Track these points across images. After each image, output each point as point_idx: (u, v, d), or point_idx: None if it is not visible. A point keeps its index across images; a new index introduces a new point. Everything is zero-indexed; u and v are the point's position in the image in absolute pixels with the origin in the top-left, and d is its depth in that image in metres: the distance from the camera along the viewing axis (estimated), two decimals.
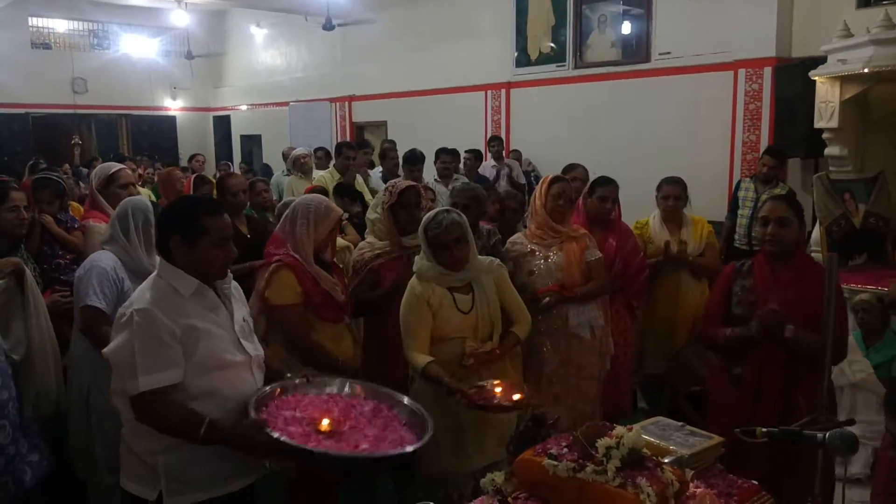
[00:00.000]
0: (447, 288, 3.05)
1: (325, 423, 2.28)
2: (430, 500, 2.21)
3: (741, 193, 6.41)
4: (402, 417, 2.45)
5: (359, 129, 13.32)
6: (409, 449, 2.25)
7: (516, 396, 2.72)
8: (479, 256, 3.21)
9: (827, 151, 5.26)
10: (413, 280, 3.11)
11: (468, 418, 2.99)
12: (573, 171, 4.93)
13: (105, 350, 2.32)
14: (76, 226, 4.10)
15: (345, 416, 2.37)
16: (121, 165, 4.28)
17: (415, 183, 3.17)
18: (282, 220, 3.20)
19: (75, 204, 5.10)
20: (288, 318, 3.01)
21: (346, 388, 2.56)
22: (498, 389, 2.77)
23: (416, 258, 3.16)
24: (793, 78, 6.76)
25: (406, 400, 2.52)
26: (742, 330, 3.10)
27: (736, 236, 6.36)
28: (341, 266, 3.52)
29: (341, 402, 2.46)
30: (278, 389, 2.45)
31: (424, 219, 3.11)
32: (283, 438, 2.16)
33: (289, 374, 2.57)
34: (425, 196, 3.66)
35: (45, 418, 3.46)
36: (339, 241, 4.09)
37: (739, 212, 6.34)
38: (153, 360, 2.21)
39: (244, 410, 2.28)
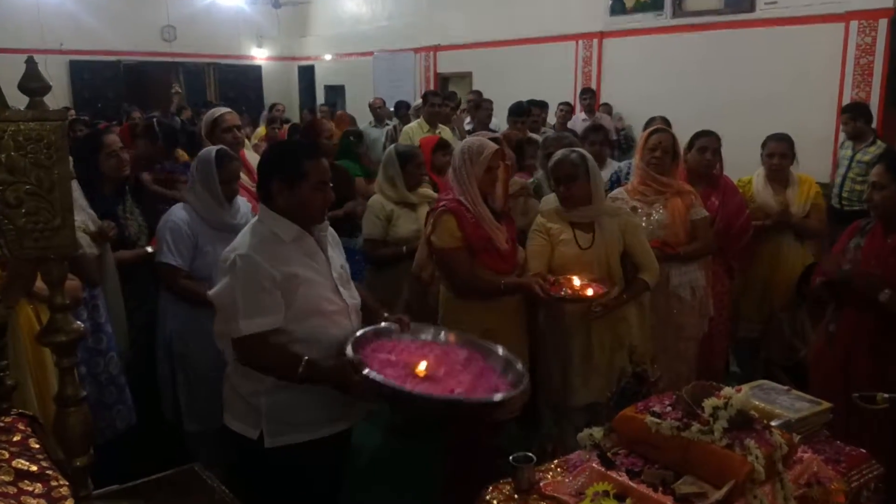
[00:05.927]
0: (570, 224, 3.27)
1: (422, 366, 2.31)
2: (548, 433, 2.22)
3: (841, 153, 6.21)
4: (496, 367, 2.45)
5: (443, 80, 13.11)
6: (498, 397, 2.22)
7: (589, 292, 3.03)
8: (609, 203, 3.42)
9: None
10: (539, 214, 3.41)
11: (577, 354, 3.28)
12: (653, 124, 4.70)
13: (210, 293, 2.40)
14: (184, 175, 4.08)
15: (440, 362, 2.38)
16: (226, 109, 4.26)
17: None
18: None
19: (181, 151, 5.17)
20: (449, 258, 3.12)
21: (441, 336, 2.60)
22: (576, 282, 3.07)
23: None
24: None
25: (500, 350, 2.53)
26: (832, 273, 3.12)
27: (832, 196, 6.10)
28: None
29: (436, 348, 2.49)
30: (374, 332, 2.48)
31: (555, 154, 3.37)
32: (379, 378, 2.17)
33: (386, 314, 2.61)
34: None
35: None
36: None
37: (838, 171, 6.13)
38: (254, 305, 2.27)
39: (342, 352, 2.30)
